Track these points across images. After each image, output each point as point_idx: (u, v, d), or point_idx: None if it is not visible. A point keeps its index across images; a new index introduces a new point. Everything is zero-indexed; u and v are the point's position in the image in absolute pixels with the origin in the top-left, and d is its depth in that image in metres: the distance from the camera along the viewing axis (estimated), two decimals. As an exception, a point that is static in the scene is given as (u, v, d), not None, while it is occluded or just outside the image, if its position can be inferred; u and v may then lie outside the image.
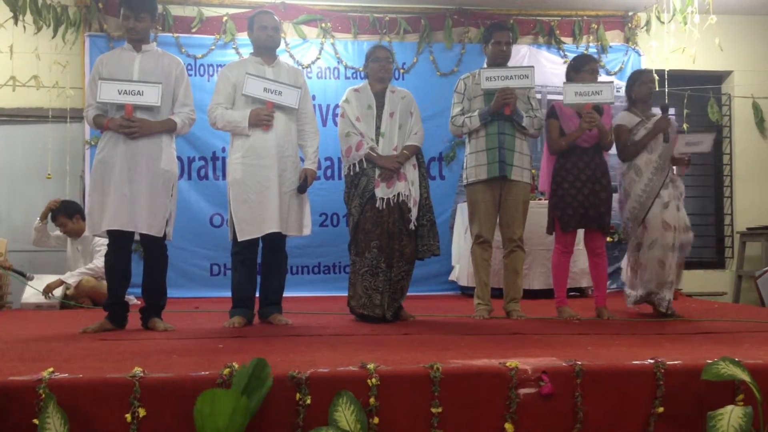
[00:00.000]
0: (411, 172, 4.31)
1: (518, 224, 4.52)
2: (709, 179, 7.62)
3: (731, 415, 2.33)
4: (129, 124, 3.78)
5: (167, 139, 3.93)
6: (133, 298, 5.14)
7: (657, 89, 4.89)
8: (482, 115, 4.45)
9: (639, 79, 4.67)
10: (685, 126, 7.02)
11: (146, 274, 3.97)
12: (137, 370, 2.34)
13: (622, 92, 7.01)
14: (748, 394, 2.51)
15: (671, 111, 4.66)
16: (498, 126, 4.44)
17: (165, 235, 3.90)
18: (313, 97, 4.70)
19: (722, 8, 6.61)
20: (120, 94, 3.79)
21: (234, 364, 2.39)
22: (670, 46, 6.56)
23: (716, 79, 7.57)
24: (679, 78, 7.20)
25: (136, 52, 3.94)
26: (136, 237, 3.93)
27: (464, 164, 4.66)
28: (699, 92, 7.31)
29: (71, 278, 5.59)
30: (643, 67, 6.90)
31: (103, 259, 4.35)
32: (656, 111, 4.64)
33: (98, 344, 3.29)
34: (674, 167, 4.63)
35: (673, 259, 4.40)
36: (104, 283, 4.10)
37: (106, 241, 4.01)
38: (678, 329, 3.84)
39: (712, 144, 4.71)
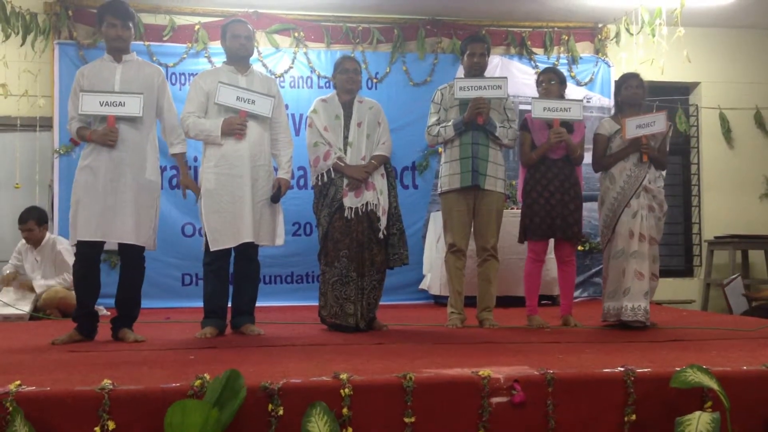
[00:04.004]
0: (379, 181, 4.32)
1: (492, 233, 4.54)
2: (678, 189, 7.74)
3: (699, 421, 2.36)
4: (112, 135, 3.75)
5: (152, 149, 3.91)
6: (102, 308, 5.07)
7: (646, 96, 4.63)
8: (456, 125, 4.48)
9: (625, 83, 4.52)
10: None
11: (122, 284, 3.92)
12: (106, 383, 2.31)
13: (593, 102, 7.27)
14: (716, 401, 2.55)
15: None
16: (472, 136, 4.47)
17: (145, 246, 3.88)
18: (286, 107, 4.67)
19: (690, 21, 6.72)
20: (102, 105, 3.78)
21: (206, 375, 2.37)
22: (639, 58, 6.66)
23: (684, 90, 7.70)
24: (648, 89, 7.26)
25: (116, 63, 3.91)
26: (106, 247, 3.88)
27: (438, 173, 4.68)
28: (667, 103, 7.42)
29: (41, 287, 5.56)
30: (613, 78, 7.00)
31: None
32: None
33: (67, 356, 3.25)
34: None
35: (640, 267, 4.20)
36: (73, 293, 4.05)
37: (70, 248, 3.96)
38: (647, 337, 3.89)
39: (666, 122, 4.40)
